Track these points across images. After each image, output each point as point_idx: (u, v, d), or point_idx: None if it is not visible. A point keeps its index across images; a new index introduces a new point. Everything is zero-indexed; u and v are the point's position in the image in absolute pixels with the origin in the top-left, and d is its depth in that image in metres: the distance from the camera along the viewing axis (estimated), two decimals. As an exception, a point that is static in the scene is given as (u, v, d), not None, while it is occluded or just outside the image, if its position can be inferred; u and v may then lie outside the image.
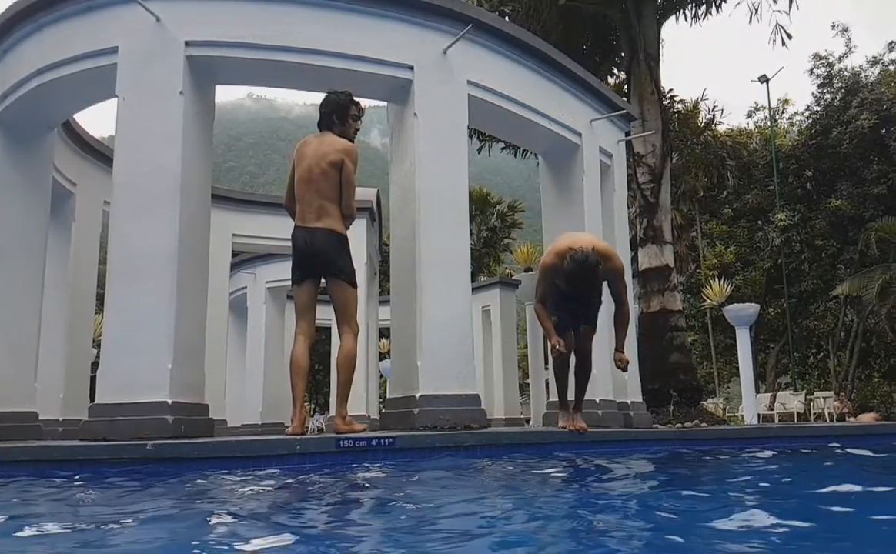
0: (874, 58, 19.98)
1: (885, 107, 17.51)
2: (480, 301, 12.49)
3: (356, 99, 4.20)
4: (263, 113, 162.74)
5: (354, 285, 4.01)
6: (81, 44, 4.46)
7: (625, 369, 4.26)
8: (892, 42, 19.68)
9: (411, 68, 4.83)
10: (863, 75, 19.57)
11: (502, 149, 13.72)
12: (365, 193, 8.81)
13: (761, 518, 1.69)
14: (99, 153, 6.68)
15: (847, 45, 20.20)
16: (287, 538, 1.58)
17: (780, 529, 1.62)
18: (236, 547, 1.53)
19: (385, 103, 5.32)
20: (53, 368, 6.12)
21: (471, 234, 10.75)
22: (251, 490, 2.53)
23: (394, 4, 4.78)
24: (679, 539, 1.56)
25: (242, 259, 10.80)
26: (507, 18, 10.58)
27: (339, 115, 4.10)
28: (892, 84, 18.15)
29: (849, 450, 4.14)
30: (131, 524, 1.88)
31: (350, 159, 3.93)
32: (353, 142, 4.16)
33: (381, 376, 14.15)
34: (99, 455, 3.18)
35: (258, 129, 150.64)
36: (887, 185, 17.34)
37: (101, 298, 5.41)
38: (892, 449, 4.65)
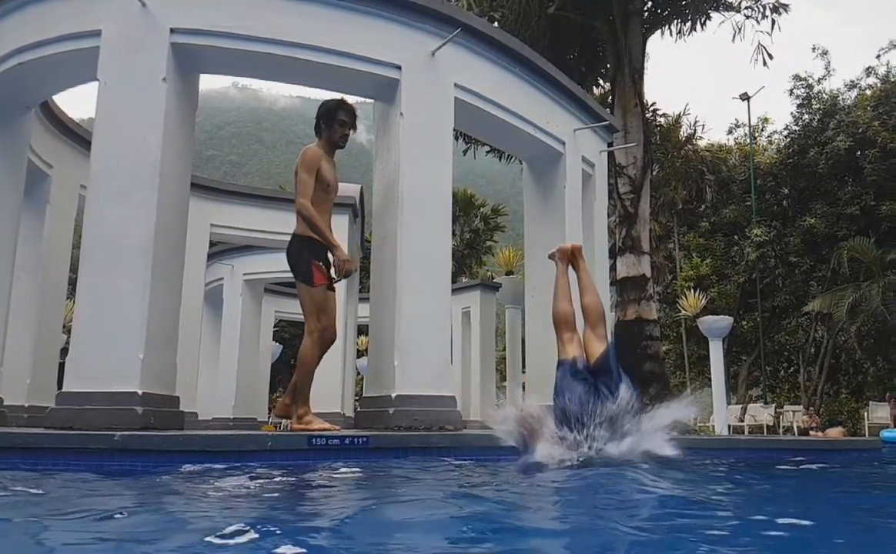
0: (852, 81, 20.48)
1: (860, 130, 17.94)
2: (460, 302, 12.51)
3: (349, 104, 4.23)
4: (248, 103, 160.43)
5: (309, 283, 3.98)
6: (64, 25, 4.37)
7: None
8: (869, 67, 20.21)
9: (399, 68, 4.83)
10: (840, 98, 20.04)
11: (487, 152, 13.76)
12: (348, 189, 8.76)
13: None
14: (77, 136, 6.55)
15: (826, 69, 20.67)
16: (253, 535, 1.57)
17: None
18: (199, 542, 1.52)
19: (371, 100, 5.31)
20: (21, 352, 5.98)
21: (453, 235, 10.77)
22: (218, 486, 2.51)
23: (383, 3, 4.77)
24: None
25: (220, 250, 10.67)
26: (496, 24, 10.64)
27: (325, 120, 4.21)
28: (868, 108, 18.61)
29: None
30: (90, 518, 1.86)
31: (300, 163, 4.02)
32: (341, 146, 4.24)
33: (359, 374, 14.08)
34: (65, 444, 3.12)
35: (242, 118, 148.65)
36: (860, 206, 17.77)
37: (73, 283, 5.30)
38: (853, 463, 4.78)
